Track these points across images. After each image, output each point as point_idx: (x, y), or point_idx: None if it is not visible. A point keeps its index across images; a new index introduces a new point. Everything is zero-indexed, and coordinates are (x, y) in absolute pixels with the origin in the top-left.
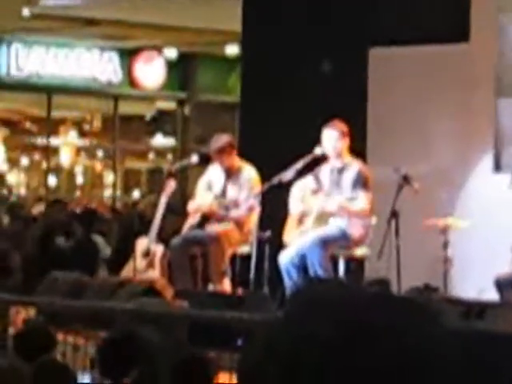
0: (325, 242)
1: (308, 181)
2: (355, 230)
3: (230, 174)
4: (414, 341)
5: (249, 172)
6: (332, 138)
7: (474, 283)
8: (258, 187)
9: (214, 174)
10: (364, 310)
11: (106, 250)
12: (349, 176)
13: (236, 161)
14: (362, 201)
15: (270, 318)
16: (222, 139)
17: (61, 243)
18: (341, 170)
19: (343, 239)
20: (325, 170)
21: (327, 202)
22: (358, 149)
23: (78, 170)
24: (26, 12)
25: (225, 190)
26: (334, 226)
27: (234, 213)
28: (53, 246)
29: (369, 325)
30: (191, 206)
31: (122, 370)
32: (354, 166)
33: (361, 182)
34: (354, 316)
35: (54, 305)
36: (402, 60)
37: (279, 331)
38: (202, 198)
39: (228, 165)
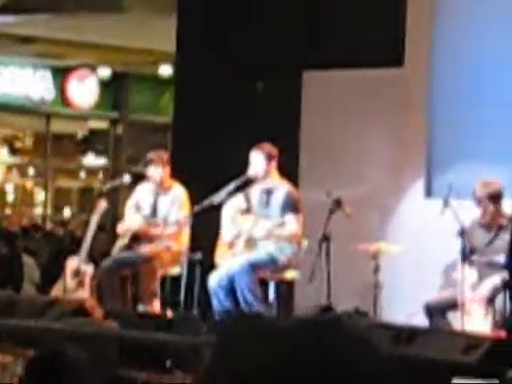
0: (254, 267)
1: (238, 200)
2: (286, 254)
3: (160, 190)
4: (344, 364)
5: (179, 190)
6: (258, 160)
7: (403, 308)
8: (187, 206)
9: (143, 193)
10: (296, 338)
11: (35, 270)
12: (277, 197)
13: (167, 178)
14: (292, 224)
15: (200, 341)
16: (158, 151)
17: None
18: (269, 191)
19: (272, 263)
20: (254, 191)
21: (256, 228)
22: (290, 171)
23: (9, 187)
24: None
25: (155, 207)
26: (262, 251)
27: (165, 230)
28: None
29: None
30: (120, 227)
31: None
32: (283, 188)
33: (290, 205)
34: (286, 344)
35: None
36: (336, 83)
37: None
38: (131, 219)
39: (160, 179)
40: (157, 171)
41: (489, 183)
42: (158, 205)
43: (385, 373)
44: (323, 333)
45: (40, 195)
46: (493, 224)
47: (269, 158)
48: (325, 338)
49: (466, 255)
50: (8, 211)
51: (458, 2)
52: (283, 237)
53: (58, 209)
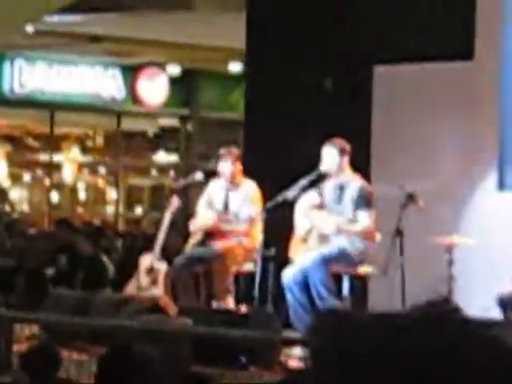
0: (326, 261)
1: (312, 196)
2: (359, 248)
3: (232, 186)
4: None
5: (250, 186)
6: (332, 155)
7: (477, 301)
8: (258, 202)
9: (214, 189)
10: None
11: (109, 268)
12: (350, 193)
13: (239, 174)
14: (365, 220)
15: (274, 337)
16: (229, 147)
17: (64, 262)
18: (342, 187)
19: (345, 258)
20: (327, 187)
21: (326, 224)
22: (362, 166)
23: (81, 186)
24: (29, 29)
25: (227, 203)
26: (335, 245)
27: (237, 226)
28: (59, 264)
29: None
30: (193, 224)
31: None
32: (356, 183)
33: (363, 200)
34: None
35: (58, 322)
36: (407, 77)
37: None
38: (203, 216)
39: (231, 175)
40: (227, 167)
41: None
42: (229, 201)
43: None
44: (450, 328)
45: (111, 194)
46: None
47: (342, 152)
48: (451, 334)
49: None
50: (80, 210)
51: None
52: (356, 233)
53: (129, 207)
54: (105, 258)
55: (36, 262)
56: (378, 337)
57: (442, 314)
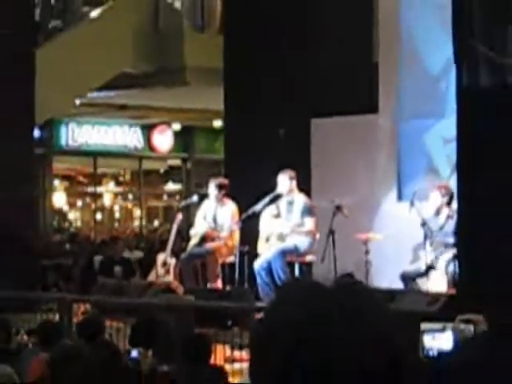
0: (283, 253)
1: (272, 209)
2: (305, 244)
3: (219, 205)
4: (378, 318)
5: (231, 205)
6: (284, 181)
7: (386, 277)
8: (237, 215)
9: (207, 207)
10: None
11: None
12: (297, 206)
13: (224, 196)
14: (308, 224)
15: (250, 307)
16: (217, 179)
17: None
18: (291, 202)
19: (296, 251)
20: (282, 202)
21: (283, 227)
22: (305, 187)
23: (116, 208)
24: (77, 102)
25: (215, 217)
26: (289, 242)
27: (223, 234)
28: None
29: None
30: (192, 231)
31: (148, 344)
32: (301, 199)
33: (307, 210)
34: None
35: (103, 301)
36: (334, 126)
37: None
38: (200, 226)
39: (220, 198)
40: (215, 192)
41: (443, 187)
42: (217, 216)
43: (394, 327)
44: (349, 291)
45: (137, 212)
46: (443, 215)
47: (291, 179)
48: (349, 297)
49: (427, 238)
50: (116, 224)
51: (417, 58)
52: (303, 233)
53: (149, 221)
54: (132, 256)
55: (86, 260)
56: (320, 293)
57: (348, 282)
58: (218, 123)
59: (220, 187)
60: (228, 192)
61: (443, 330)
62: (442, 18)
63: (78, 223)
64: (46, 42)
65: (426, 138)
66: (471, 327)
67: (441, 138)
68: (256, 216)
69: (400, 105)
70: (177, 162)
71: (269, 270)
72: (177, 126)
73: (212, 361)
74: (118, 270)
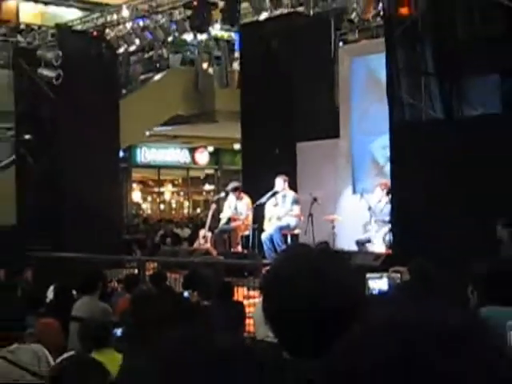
0: (280, 229)
1: (272, 201)
2: (294, 223)
3: (238, 199)
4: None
5: (247, 199)
6: (280, 182)
7: (347, 244)
8: (250, 205)
9: (230, 200)
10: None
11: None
12: (289, 199)
13: (241, 193)
14: (296, 210)
15: (259, 263)
16: (237, 183)
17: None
18: (285, 196)
19: (288, 227)
20: (279, 196)
21: (280, 212)
22: (293, 187)
23: (173, 201)
24: (147, 133)
25: (236, 207)
26: (284, 222)
27: (241, 217)
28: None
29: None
30: (222, 215)
31: (194, 288)
32: (291, 194)
33: (295, 201)
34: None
35: (165, 261)
36: (312, 147)
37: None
38: (226, 212)
39: (238, 195)
40: (236, 191)
41: (384, 184)
42: (237, 206)
43: (356, 279)
44: (326, 253)
45: (186, 204)
46: (382, 203)
47: (284, 181)
48: (323, 257)
49: (372, 218)
50: (173, 212)
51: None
52: (293, 215)
53: (194, 209)
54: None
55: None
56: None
57: (324, 247)
58: (237, 146)
59: (235, 188)
60: (242, 190)
61: (381, 277)
62: (380, 89)
63: (149, 211)
64: (127, 94)
65: (371, 148)
66: (399, 275)
67: (381, 146)
68: (262, 205)
69: (353, 130)
70: (211, 172)
71: (271, 240)
72: (211, 148)
73: (235, 298)
74: (168, 241)
